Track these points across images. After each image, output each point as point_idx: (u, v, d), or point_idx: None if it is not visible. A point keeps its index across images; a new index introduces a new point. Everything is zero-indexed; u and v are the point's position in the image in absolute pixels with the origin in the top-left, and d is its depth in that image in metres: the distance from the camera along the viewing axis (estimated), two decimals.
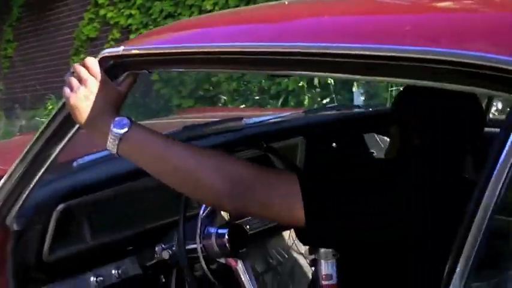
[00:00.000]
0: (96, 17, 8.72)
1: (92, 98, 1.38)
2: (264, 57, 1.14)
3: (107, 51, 1.44)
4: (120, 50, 1.40)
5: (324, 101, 5.54)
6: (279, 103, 5.99)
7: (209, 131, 2.30)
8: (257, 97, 6.30)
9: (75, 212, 1.81)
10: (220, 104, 6.60)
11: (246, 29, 1.25)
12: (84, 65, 1.42)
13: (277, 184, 1.28)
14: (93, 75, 1.40)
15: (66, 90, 1.42)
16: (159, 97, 7.79)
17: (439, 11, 1.07)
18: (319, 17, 1.16)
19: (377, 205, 1.27)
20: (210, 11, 7.16)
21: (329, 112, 2.79)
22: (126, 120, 1.35)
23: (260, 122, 2.48)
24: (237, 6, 6.87)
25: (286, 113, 2.68)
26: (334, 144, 2.56)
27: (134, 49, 1.39)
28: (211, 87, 7.11)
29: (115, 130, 1.34)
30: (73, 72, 1.44)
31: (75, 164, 1.96)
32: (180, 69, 1.54)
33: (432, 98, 1.37)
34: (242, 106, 6.12)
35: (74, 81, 1.41)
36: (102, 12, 8.54)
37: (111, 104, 1.40)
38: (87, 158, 2.02)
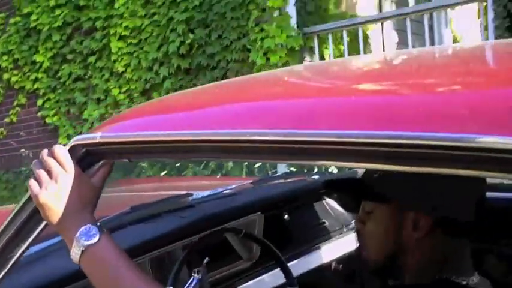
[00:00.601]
0: None
1: (65, 196, 1.24)
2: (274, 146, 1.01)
3: (79, 138, 1.28)
4: (96, 137, 1.24)
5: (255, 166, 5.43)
6: (201, 166, 5.86)
7: (160, 210, 2.18)
8: (178, 164, 6.13)
9: None
10: (143, 171, 6.37)
11: (254, 113, 1.11)
12: (52, 155, 1.26)
13: None
14: (65, 169, 1.25)
15: (35, 186, 1.26)
16: None
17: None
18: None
19: None
20: (121, 73, 7.02)
21: (277, 182, 2.71)
22: (95, 230, 1.23)
23: (210, 196, 2.38)
24: (150, 68, 6.75)
25: (233, 185, 2.58)
26: (286, 216, 2.48)
27: (115, 136, 1.23)
28: None
29: (82, 240, 1.22)
30: (39, 161, 1.28)
31: None
32: (173, 159, 1.37)
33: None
34: (163, 173, 5.95)
35: (43, 175, 1.26)
36: (5, 76, 8.14)
37: (85, 202, 1.26)
38: (33, 249, 1.83)
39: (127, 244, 1.75)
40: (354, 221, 2.64)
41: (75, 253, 1.23)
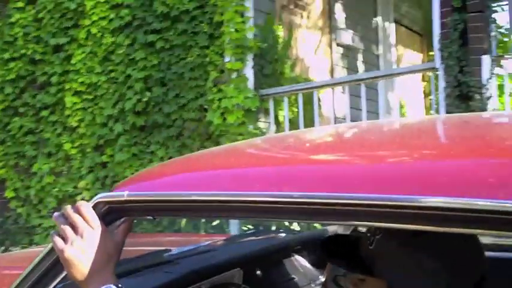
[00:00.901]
0: None
1: (90, 252, 1.29)
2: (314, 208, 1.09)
3: (104, 196, 1.34)
4: (123, 195, 1.31)
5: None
6: (154, 223, 5.87)
7: (141, 265, 2.22)
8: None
9: None
10: None
11: (281, 176, 1.20)
12: (77, 211, 1.32)
13: None
14: (91, 225, 1.30)
15: (59, 241, 1.30)
16: (17, 216, 7.39)
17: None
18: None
19: None
20: (75, 128, 7.02)
21: (250, 239, 2.81)
22: None
23: (188, 252, 2.45)
24: (105, 124, 6.77)
25: (209, 242, 2.67)
26: (259, 272, 2.55)
27: (143, 195, 1.30)
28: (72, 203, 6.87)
29: None
30: (63, 216, 1.33)
31: None
32: (200, 218, 1.45)
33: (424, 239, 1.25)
34: None
35: (68, 231, 1.30)
36: None
37: (109, 259, 1.31)
38: None
39: None
40: (320, 277, 2.74)
41: None
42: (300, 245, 2.76)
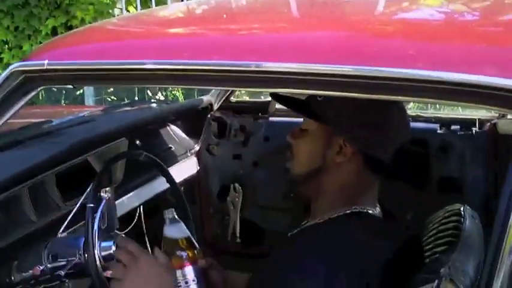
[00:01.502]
0: None
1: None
2: (204, 74, 1.17)
3: (21, 65, 1.29)
4: (43, 63, 1.26)
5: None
6: None
7: (23, 137, 2.14)
8: None
9: None
10: None
11: (192, 44, 1.25)
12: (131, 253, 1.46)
13: None
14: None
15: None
16: None
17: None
18: None
19: None
20: None
21: (128, 108, 2.80)
22: None
23: (70, 122, 2.41)
24: None
25: (87, 112, 2.63)
26: (138, 142, 2.58)
27: (64, 64, 1.27)
28: None
29: None
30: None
31: None
32: (116, 85, 1.48)
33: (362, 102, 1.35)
34: None
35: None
36: None
37: None
38: None
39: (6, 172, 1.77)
40: (195, 146, 2.83)
41: None
42: (175, 116, 2.81)
